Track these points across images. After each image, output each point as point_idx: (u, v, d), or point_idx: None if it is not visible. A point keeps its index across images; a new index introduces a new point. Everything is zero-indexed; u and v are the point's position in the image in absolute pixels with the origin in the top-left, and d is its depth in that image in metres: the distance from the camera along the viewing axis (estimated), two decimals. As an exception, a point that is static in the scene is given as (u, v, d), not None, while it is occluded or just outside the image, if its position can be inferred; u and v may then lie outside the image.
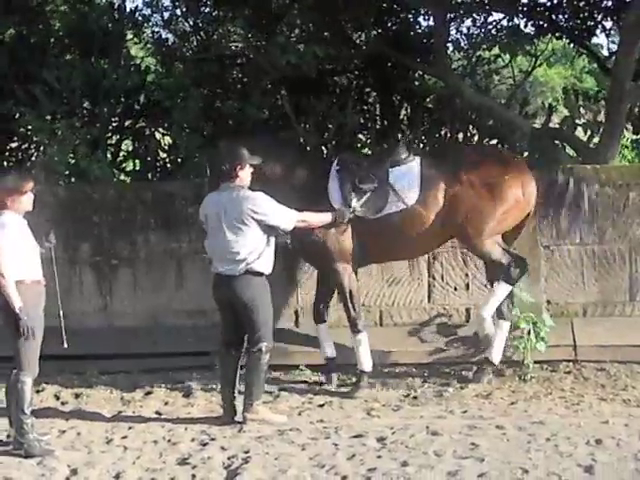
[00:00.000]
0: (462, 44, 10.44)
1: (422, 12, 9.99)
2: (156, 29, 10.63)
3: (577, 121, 9.76)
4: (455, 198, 6.97)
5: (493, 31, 9.87)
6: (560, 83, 25.62)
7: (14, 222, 5.91)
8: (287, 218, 6.41)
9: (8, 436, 6.10)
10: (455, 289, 8.05)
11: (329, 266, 7.11)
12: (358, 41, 10.12)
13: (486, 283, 7.58)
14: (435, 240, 7.21)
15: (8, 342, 5.94)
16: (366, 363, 7.12)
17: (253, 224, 6.26)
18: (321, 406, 6.86)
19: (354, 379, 7.21)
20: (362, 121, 9.97)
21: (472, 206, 6.97)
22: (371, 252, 7.14)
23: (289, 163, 7.12)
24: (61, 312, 6.07)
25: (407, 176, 7.03)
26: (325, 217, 6.79)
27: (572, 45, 10.92)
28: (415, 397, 6.97)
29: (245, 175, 6.39)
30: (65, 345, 6.10)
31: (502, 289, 7.08)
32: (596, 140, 9.55)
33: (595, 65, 11.33)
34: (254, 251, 6.27)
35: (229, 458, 5.73)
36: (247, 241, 6.25)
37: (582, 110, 10.08)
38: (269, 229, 6.36)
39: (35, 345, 5.91)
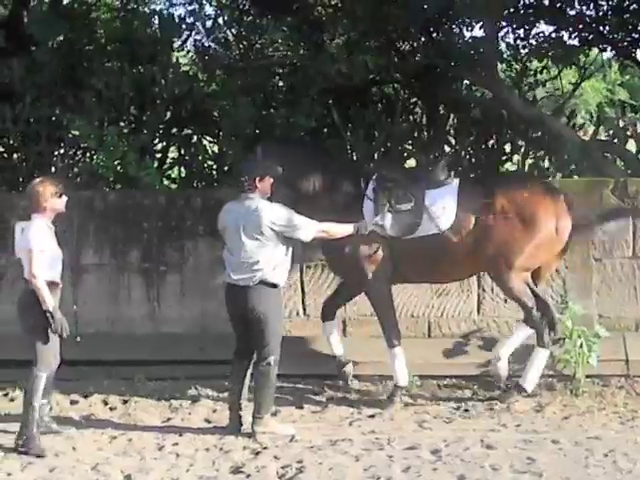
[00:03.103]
0: (508, 55, 10.39)
1: (471, 22, 9.94)
2: (199, 37, 10.69)
3: (627, 133, 9.66)
4: (487, 227, 6.87)
5: (544, 44, 9.80)
6: (593, 95, 25.48)
7: (45, 227, 6.12)
8: (307, 229, 6.36)
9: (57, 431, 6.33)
10: (505, 301, 7.93)
11: (364, 281, 7.04)
12: (405, 51, 10.07)
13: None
14: (466, 268, 7.11)
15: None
16: (402, 378, 7.05)
17: (272, 236, 6.23)
18: (371, 417, 6.82)
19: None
20: (409, 131, 9.92)
21: (505, 238, 6.85)
22: (402, 271, 7.04)
23: (328, 179, 7.09)
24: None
25: (443, 199, 6.92)
26: (346, 228, 6.65)
27: (617, 57, 10.85)
28: (466, 410, 6.91)
29: (265, 186, 6.35)
30: (78, 339, 6.34)
31: (522, 332, 7.06)
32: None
33: (627, 77, 11.23)
34: (271, 262, 6.25)
35: (283, 467, 5.72)
36: (265, 252, 6.23)
37: (621, 122, 9.98)
38: (288, 240, 6.34)
39: (55, 342, 6.12)
